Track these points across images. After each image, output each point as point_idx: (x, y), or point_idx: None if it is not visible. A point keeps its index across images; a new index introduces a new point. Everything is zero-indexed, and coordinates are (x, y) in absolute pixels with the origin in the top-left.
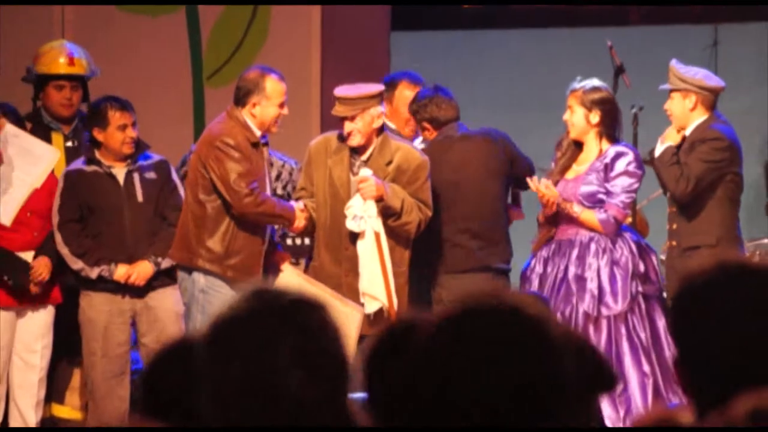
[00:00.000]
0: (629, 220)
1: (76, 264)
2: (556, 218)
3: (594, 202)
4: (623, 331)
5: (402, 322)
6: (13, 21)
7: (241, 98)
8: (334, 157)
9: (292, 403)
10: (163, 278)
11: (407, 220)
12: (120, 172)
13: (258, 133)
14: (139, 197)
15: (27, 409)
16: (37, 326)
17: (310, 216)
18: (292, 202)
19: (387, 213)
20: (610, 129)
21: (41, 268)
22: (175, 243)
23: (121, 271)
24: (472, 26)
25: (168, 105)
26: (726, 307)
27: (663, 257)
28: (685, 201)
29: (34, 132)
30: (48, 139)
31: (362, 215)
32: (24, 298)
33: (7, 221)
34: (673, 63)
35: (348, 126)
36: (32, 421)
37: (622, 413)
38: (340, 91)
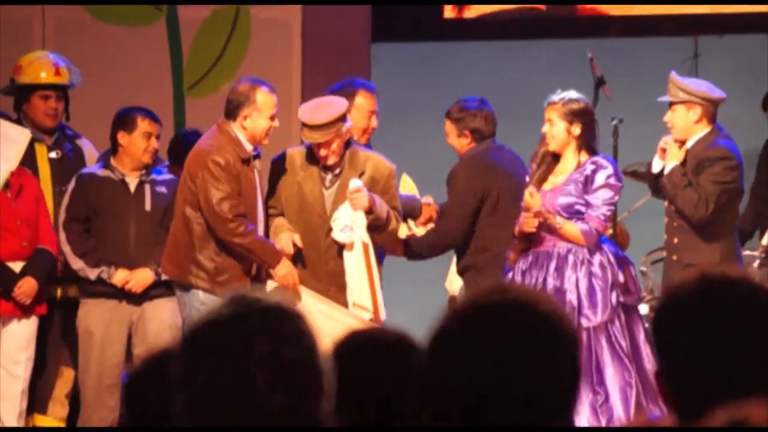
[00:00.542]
0: (609, 231)
1: (77, 263)
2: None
3: (572, 213)
4: (603, 342)
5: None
6: None
7: (231, 111)
8: (302, 172)
9: (262, 409)
10: (162, 288)
11: (390, 231)
12: (132, 180)
13: (249, 147)
14: (147, 206)
15: (10, 420)
16: (21, 337)
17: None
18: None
19: (375, 224)
20: (590, 141)
21: (26, 290)
22: (167, 255)
23: (120, 276)
24: (453, 38)
25: None
26: (707, 319)
27: (643, 269)
28: (703, 225)
29: None
30: (31, 151)
31: (351, 226)
32: (8, 309)
33: None
34: (674, 75)
35: (323, 151)
36: None
37: (603, 422)
38: (309, 116)
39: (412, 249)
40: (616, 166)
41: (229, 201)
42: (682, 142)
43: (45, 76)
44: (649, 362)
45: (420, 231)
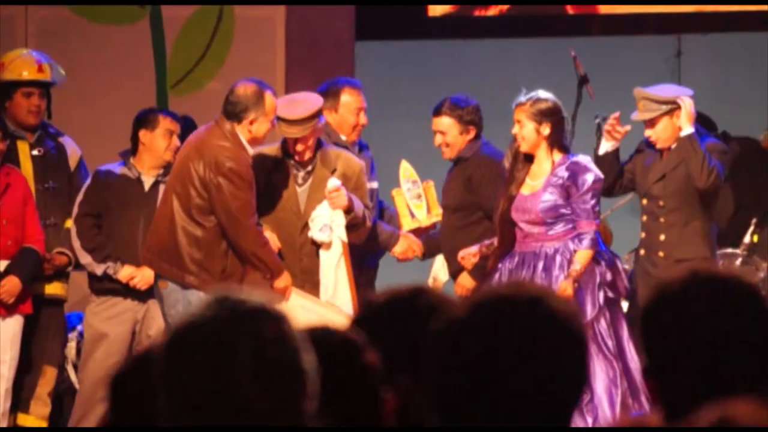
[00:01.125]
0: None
1: (85, 258)
2: (511, 233)
3: (556, 216)
4: (589, 341)
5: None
6: None
7: (237, 114)
8: (274, 170)
9: (246, 410)
10: None
11: (365, 230)
12: (148, 180)
13: (251, 151)
14: (159, 205)
15: None
16: (5, 336)
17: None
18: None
19: (352, 223)
20: (560, 139)
21: (10, 289)
22: (156, 253)
23: (126, 272)
24: (437, 36)
25: (132, 114)
26: (696, 316)
27: (626, 266)
28: (712, 190)
29: None
30: (13, 148)
31: (330, 225)
32: None
33: None
34: (642, 90)
35: (300, 146)
36: None
37: (590, 421)
38: (288, 111)
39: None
40: (592, 163)
41: (250, 210)
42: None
43: (27, 74)
44: (633, 360)
45: (425, 219)
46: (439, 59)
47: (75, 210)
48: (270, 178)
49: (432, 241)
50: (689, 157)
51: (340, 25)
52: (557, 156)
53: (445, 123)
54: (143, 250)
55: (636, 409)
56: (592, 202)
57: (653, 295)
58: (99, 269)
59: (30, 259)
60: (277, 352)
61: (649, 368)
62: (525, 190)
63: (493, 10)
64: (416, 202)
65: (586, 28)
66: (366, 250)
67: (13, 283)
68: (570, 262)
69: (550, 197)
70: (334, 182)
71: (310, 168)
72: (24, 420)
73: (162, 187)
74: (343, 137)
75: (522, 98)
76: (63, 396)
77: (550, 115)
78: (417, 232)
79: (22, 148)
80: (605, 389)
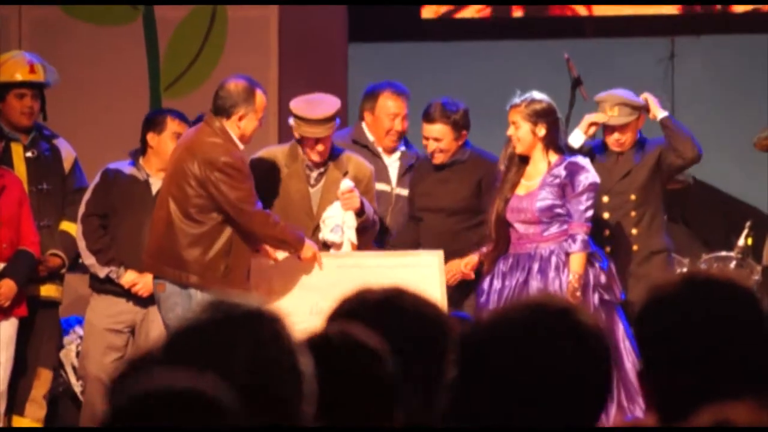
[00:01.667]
0: None
1: (89, 259)
2: (506, 234)
3: (552, 216)
4: None
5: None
6: None
7: (226, 109)
8: (286, 170)
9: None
10: None
11: (373, 232)
12: (156, 183)
13: (241, 146)
14: (155, 210)
15: None
16: (0, 339)
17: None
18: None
19: (363, 225)
20: (556, 140)
21: (5, 293)
22: (154, 257)
23: (128, 277)
24: (430, 38)
25: (125, 115)
26: (692, 319)
27: None
28: (698, 162)
29: None
30: (7, 150)
31: (342, 226)
32: None
33: None
34: (618, 95)
35: (321, 146)
36: None
37: None
38: (311, 111)
39: None
40: (590, 164)
41: (252, 197)
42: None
43: (20, 75)
44: (629, 362)
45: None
46: (432, 61)
47: (82, 208)
48: (283, 178)
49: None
50: (674, 136)
51: (333, 27)
52: (553, 157)
53: (440, 130)
54: (144, 255)
55: (631, 411)
56: (587, 203)
57: (648, 297)
58: (102, 272)
59: (25, 262)
60: (274, 353)
61: (644, 371)
62: (520, 191)
63: (485, 11)
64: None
65: (579, 29)
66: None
67: (8, 286)
68: (565, 264)
69: (547, 196)
70: (347, 184)
71: (322, 169)
72: (19, 422)
73: None
74: (372, 138)
75: (516, 100)
76: (59, 399)
77: (546, 115)
78: None
79: (16, 149)
80: None
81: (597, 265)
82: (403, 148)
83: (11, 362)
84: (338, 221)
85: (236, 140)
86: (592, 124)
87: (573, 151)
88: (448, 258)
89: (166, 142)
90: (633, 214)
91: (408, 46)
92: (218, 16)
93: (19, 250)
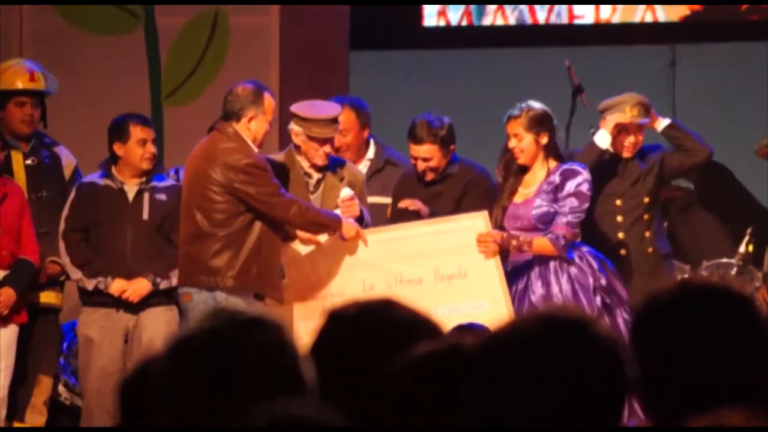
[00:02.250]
0: (578, 237)
1: (75, 274)
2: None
3: (547, 223)
4: None
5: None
6: None
7: (236, 112)
8: (288, 179)
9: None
10: (159, 298)
11: None
12: (132, 189)
13: (256, 150)
14: (145, 215)
15: None
16: (1, 345)
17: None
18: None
19: None
20: (556, 147)
21: (5, 301)
22: (185, 268)
23: (116, 286)
24: (431, 46)
25: None
26: (688, 326)
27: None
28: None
29: None
30: (7, 158)
31: None
32: None
33: None
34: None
35: (329, 147)
36: None
37: None
38: (320, 113)
39: None
40: (589, 174)
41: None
42: None
43: (20, 84)
44: None
45: None
46: (433, 69)
47: (62, 225)
48: (284, 185)
49: None
50: (684, 137)
51: (335, 35)
52: (552, 164)
53: (429, 150)
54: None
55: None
56: (574, 208)
57: (644, 304)
58: (90, 284)
59: (25, 271)
60: (277, 360)
61: (639, 377)
62: (518, 199)
63: (488, 19)
64: None
65: (580, 37)
66: None
67: (8, 294)
68: (563, 269)
69: (542, 204)
70: (347, 192)
71: (320, 176)
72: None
73: (146, 196)
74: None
75: (514, 111)
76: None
77: (546, 123)
78: None
79: (16, 157)
80: None
81: (596, 267)
82: (371, 155)
83: (11, 369)
84: None
85: (249, 143)
86: (618, 124)
87: (573, 158)
88: None
89: (133, 149)
90: (646, 217)
91: (408, 53)
92: (219, 24)
93: (19, 259)
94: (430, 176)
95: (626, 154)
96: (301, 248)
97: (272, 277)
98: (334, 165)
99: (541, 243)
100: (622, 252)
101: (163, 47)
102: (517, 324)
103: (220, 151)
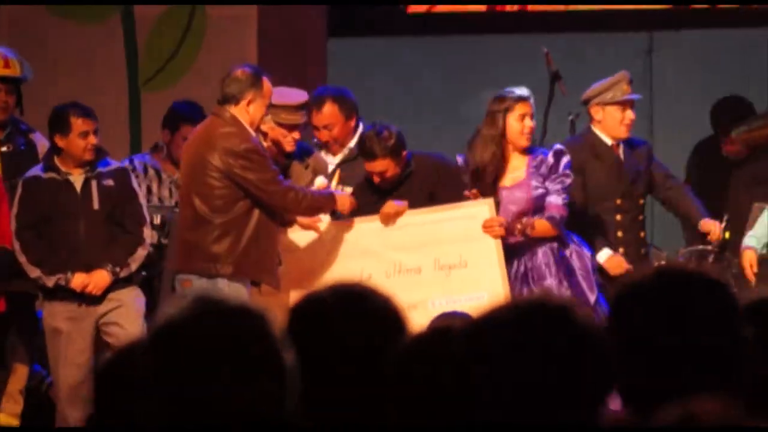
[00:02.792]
0: None
1: (34, 272)
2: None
3: (542, 203)
4: None
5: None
6: None
7: (235, 95)
8: None
9: (227, 409)
10: (122, 283)
11: None
12: (78, 179)
13: (253, 134)
14: (95, 204)
15: None
16: None
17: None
18: (331, 189)
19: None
20: None
21: None
22: (183, 254)
23: (77, 281)
24: (411, 33)
25: (104, 110)
26: (663, 312)
27: None
28: None
29: None
30: None
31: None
32: None
33: None
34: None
35: (297, 133)
36: None
37: None
38: (289, 99)
39: None
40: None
41: (278, 177)
42: None
43: None
44: None
45: None
46: (412, 56)
47: (13, 224)
48: None
49: None
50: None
51: (313, 23)
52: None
53: (383, 164)
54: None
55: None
56: (568, 185)
57: (621, 290)
58: (50, 281)
59: (2, 260)
60: (258, 349)
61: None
62: (507, 183)
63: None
64: None
65: (558, 24)
66: None
67: None
68: (558, 258)
69: (538, 185)
70: (321, 180)
71: (286, 162)
72: None
73: (94, 184)
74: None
75: (525, 92)
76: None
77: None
78: None
79: None
80: None
81: (585, 250)
82: (352, 145)
83: None
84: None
85: (247, 127)
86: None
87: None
88: None
89: (74, 142)
90: (640, 218)
91: (387, 40)
92: (197, 12)
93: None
94: (388, 181)
95: (626, 134)
96: (300, 235)
97: (270, 263)
98: (300, 153)
99: (542, 225)
100: (620, 250)
101: (141, 34)
102: (498, 312)
103: (218, 137)
